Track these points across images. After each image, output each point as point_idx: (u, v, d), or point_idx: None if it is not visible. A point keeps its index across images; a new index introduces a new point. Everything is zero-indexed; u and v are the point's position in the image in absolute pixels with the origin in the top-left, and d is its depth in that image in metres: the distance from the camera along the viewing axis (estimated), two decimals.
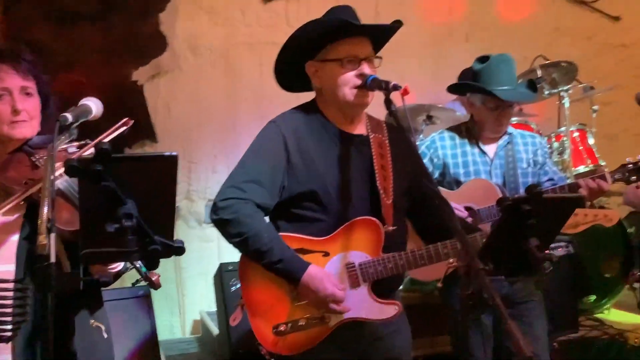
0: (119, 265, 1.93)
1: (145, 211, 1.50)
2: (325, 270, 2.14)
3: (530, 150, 3.05)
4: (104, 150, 1.44)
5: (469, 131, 3.03)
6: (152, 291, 3.89)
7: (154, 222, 1.52)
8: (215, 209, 2.14)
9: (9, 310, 1.73)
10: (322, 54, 2.23)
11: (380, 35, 2.28)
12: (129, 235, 1.47)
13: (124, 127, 2.04)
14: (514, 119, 3.99)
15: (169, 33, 4.72)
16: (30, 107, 1.97)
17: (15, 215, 1.89)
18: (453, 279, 2.70)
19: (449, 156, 2.98)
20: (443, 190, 2.89)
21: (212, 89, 4.89)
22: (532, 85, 3.04)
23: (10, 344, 1.79)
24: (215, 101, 4.89)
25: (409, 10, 5.03)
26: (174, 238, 1.58)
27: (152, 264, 1.63)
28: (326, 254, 2.16)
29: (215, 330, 4.13)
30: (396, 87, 2.04)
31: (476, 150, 2.99)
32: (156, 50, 4.69)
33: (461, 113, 4.64)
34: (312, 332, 2.14)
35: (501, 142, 3.01)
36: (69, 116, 1.76)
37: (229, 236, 2.13)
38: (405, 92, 2.02)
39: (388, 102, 2.05)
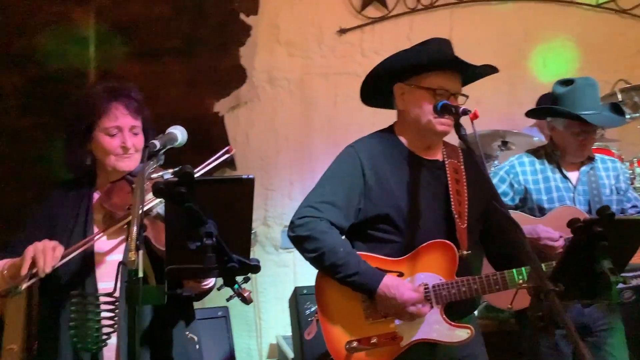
0: (211, 282, 2.03)
1: (224, 230, 1.59)
2: (400, 278, 2.18)
3: (612, 175, 2.95)
4: (187, 173, 1.56)
5: (549, 156, 2.95)
6: (231, 313, 3.99)
7: (231, 241, 1.61)
8: (292, 226, 2.24)
9: (103, 321, 1.86)
10: (414, 79, 2.28)
11: (471, 74, 2.33)
12: (209, 253, 1.56)
13: (227, 155, 2.19)
14: (595, 144, 3.88)
15: (248, 66, 4.90)
16: (137, 143, 2.14)
17: (120, 238, 2.06)
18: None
19: (530, 182, 2.91)
20: (529, 218, 2.82)
21: (288, 119, 5.03)
22: (618, 109, 2.94)
23: (114, 352, 1.91)
24: (292, 130, 5.02)
25: (483, 34, 4.97)
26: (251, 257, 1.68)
27: (229, 281, 1.72)
28: (400, 274, 2.20)
29: (290, 354, 4.18)
30: (465, 112, 2.08)
31: (558, 175, 2.91)
32: (236, 82, 4.88)
33: (539, 139, 4.54)
34: (384, 351, 2.17)
35: (584, 167, 2.92)
36: (157, 143, 1.90)
37: (305, 252, 2.22)
38: (475, 117, 2.05)
39: (458, 127, 2.08)
